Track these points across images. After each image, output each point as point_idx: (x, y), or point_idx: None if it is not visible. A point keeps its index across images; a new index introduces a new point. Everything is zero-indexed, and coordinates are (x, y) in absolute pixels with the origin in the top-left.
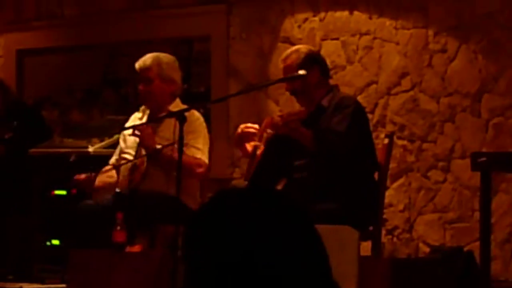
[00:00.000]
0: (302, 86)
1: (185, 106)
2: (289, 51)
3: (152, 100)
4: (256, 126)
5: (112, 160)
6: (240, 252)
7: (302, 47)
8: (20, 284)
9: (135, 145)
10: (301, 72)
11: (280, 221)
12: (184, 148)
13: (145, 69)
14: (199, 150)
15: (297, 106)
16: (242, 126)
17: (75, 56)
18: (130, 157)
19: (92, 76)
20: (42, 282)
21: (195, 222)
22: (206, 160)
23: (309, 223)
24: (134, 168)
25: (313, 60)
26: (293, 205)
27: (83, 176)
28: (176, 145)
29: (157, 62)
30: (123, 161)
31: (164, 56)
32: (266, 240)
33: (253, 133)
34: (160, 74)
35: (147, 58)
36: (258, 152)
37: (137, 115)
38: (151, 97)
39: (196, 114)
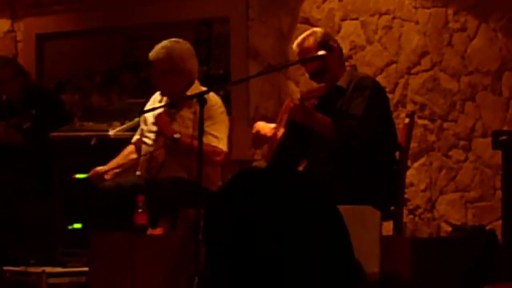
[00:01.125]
0: (321, 67)
1: (204, 88)
2: (304, 34)
3: (165, 91)
4: (272, 125)
5: (134, 139)
6: (261, 232)
7: (318, 30)
8: (43, 268)
9: (154, 129)
10: (321, 52)
11: (301, 202)
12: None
13: (157, 62)
14: (216, 137)
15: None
16: (257, 126)
17: (95, 39)
18: (149, 142)
19: (112, 60)
20: (64, 266)
21: (215, 203)
22: (225, 148)
23: (331, 204)
24: (152, 158)
25: (330, 42)
26: (314, 186)
27: (91, 171)
28: (195, 133)
29: (169, 56)
30: (143, 146)
31: (178, 47)
32: (287, 220)
33: (269, 137)
34: (172, 68)
35: (160, 50)
36: (279, 134)
37: (157, 97)
38: (164, 89)
39: (214, 99)
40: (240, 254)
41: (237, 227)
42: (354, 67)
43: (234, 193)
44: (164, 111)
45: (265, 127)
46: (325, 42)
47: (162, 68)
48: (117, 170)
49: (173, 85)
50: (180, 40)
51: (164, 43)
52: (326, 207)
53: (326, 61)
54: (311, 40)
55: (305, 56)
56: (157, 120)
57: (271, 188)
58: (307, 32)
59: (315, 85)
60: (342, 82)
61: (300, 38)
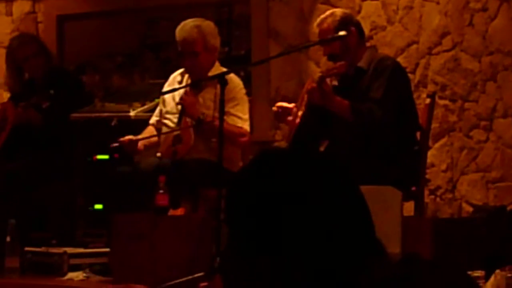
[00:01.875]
0: (341, 48)
1: (225, 69)
2: (323, 15)
3: (199, 73)
4: (291, 105)
5: (152, 120)
6: (282, 212)
7: (337, 10)
8: (64, 249)
9: (175, 110)
10: (342, 33)
11: (322, 182)
12: (225, 117)
13: (191, 42)
14: (240, 118)
15: None
16: (277, 104)
17: (115, 20)
18: (170, 124)
19: (132, 40)
20: (86, 247)
21: (237, 183)
22: (248, 128)
23: (352, 184)
24: (178, 139)
25: (349, 22)
26: (336, 166)
27: (125, 138)
28: (217, 113)
29: (201, 34)
30: (164, 128)
31: (207, 25)
32: (308, 200)
33: (290, 108)
34: (205, 46)
35: (190, 30)
36: (299, 114)
37: (177, 77)
38: (199, 70)
39: (235, 80)
40: (262, 234)
41: (259, 207)
42: (374, 47)
43: (256, 173)
44: (190, 91)
45: (286, 105)
46: (345, 22)
47: (196, 48)
48: (147, 142)
49: (203, 64)
50: (201, 18)
51: (192, 22)
52: (347, 187)
53: (346, 41)
54: (329, 21)
55: (323, 37)
56: (184, 100)
57: (293, 168)
58: (327, 13)
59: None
60: (362, 63)
61: (319, 19)
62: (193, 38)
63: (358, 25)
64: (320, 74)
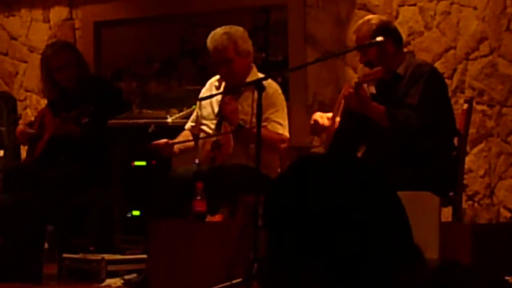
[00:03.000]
0: (378, 54)
1: (262, 75)
2: (360, 22)
3: (235, 79)
4: (329, 114)
5: (188, 126)
6: (321, 219)
7: (373, 17)
8: (102, 255)
9: (212, 116)
10: (379, 38)
11: (360, 188)
12: (265, 123)
13: (222, 50)
14: (281, 125)
15: None
16: (315, 116)
17: (152, 27)
18: (208, 130)
19: (170, 47)
20: (123, 253)
21: (275, 189)
22: (288, 134)
23: (390, 190)
24: (217, 145)
25: (385, 30)
26: (373, 172)
27: (162, 141)
28: (255, 120)
29: (232, 40)
30: (202, 134)
31: (236, 30)
32: (346, 206)
33: (327, 126)
34: (237, 51)
35: (220, 38)
36: (337, 120)
37: (214, 83)
38: (234, 76)
39: (274, 85)
40: (301, 240)
41: (297, 214)
42: (412, 53)
43: (294, 180)
44: (231, 97)
45: (323, 117)
46: (382, 28)
47: (228, 55)
48: (182, 146)
49: (238, 69)
50: (230, 25)
51: (220, 30)
52: (385, 193)
53: (383, 47)
54: (365, 29)
55: (362, 43)
56: (225, 106)
57: (330, 174)
58: (364, 19)
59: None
60: (400, 69)
61: (356, 25)
62: (224, 45)
63: (395, 31)
64: (356, 79)
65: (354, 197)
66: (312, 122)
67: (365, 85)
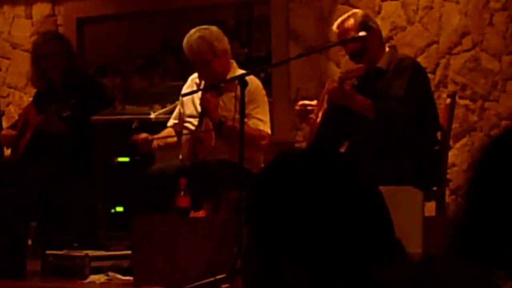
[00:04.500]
0: (361, 48)
1: (243, 71)
2: (344, 15)
3: (216, 78)
4: (314, 102)
5: (170, 123)
6: (302, 213)
7: (358, 11)
8: (85, 252)
9: (195, 113)
10: (362, 33)
11: (341, 182)
12: (246, 119)
13: (199, 54)
14: (261, 121)
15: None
16: (299, 103)
17: (135, 22)
18: (191, 127)
19: (152, 43)
20: (107, 249)
21: (257, 184)
22: (269, 130)
23: (371, 184)
24: (198, 140)
25: (370, 23)
26: (355, 166)
27: (141, 136)
28: (237, 116)
29: (208, 43)
30: (185, 131)
31: (210, 32)
32: (328, 201)
33: (313, 106)
34: (214, 52)
35: (196, 42)
36: (320, 114)
37: (195, 79)
38: (215, 76)
39: (255, 81)
40: (282, 235)
41: (278, 209)
42: (394, 48)
43: (275, 175)
44: (212, 94)
45: (308, 103)
46: (365, 23)
47: (205, 56)
48: (162, 142)
49: (217, 68)
50: (204, 26)
51: (195, 34)
52: (365, 187)
53: (366, 42)
54: (351, 22)
55: (345, 38)
56: (206, 103)
57: (312, 169)
58: (347, 14)
59: (354, 65)
60: (382, 63)
61: (340, 19)
62: (200, 49)
63: (377, 26)
64: (339, 75)
65: (333, 192)
66: (297, 108)
67: (347, 81)
